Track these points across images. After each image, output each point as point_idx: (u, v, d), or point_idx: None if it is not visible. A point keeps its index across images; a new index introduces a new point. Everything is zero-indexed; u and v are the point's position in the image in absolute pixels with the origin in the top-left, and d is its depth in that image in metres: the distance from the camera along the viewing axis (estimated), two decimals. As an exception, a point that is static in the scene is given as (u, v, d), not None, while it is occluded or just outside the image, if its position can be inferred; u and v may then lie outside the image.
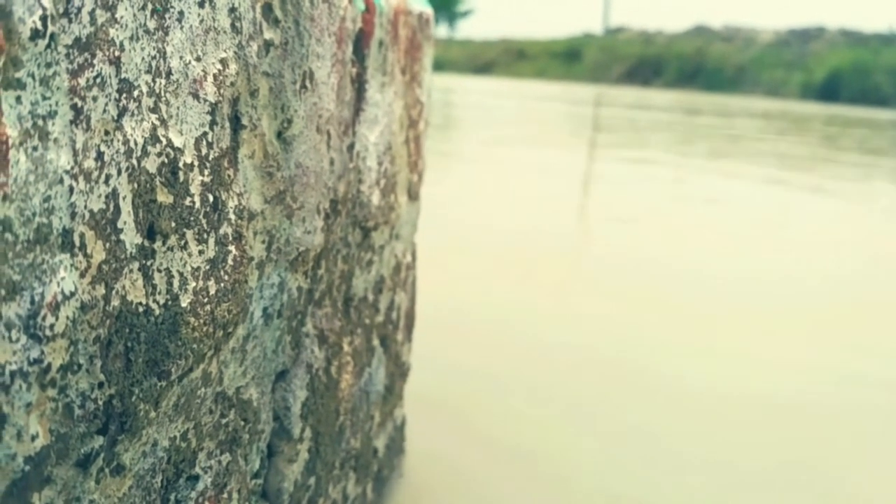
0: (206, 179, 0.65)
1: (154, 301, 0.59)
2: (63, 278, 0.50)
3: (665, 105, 15.15)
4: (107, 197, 0.53)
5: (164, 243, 0.60)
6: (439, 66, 24.66)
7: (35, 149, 0.47)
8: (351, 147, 1.04)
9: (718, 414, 1.85)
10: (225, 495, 0.79)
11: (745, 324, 2.54)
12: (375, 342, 1.26)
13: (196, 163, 0.63)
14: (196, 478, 0.74)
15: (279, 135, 0.82)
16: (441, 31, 38.85)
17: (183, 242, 0.62)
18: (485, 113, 11.27)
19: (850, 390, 2.03)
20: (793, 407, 1.90)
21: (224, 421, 0.78)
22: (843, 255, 3.72)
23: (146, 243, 0.58)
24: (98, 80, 0.52)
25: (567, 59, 26.41)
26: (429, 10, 1.36)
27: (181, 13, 0.61)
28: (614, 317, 2.50)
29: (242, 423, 0.82)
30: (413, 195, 1.39)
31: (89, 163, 0.51)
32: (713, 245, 3.76)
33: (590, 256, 3.52)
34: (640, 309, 2.60)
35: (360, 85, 1.06)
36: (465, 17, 42.02)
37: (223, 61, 0.66)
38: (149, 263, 0.58)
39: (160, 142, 0.58)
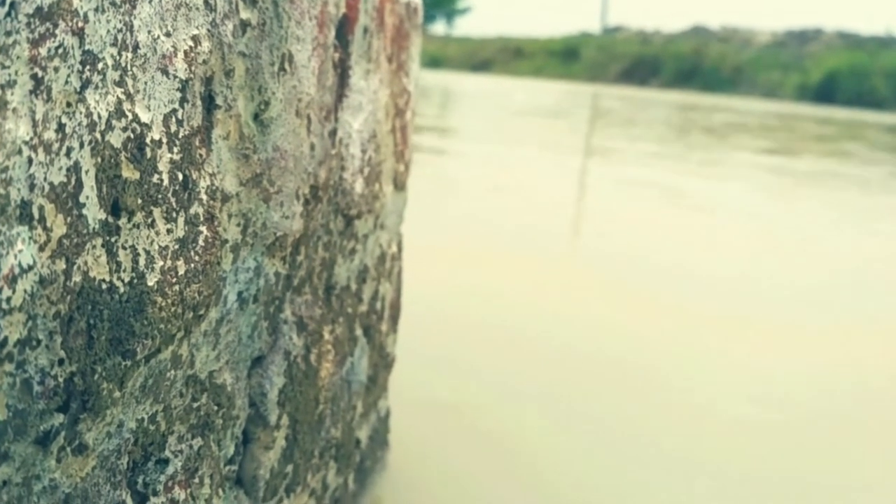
0: (176, 157, 0.64)
1: (118, 279, 0.58)
2: (21, 251, 0.49)
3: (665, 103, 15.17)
4: (68, 170, 0.52)
5: (129, 220, 0.59)
6: (436, 63, 24.62)
7: (-8, 118, 0.46)
8: (333, 133, 1.03)
9: (712, 414, 1.84)
10: (196, 480, 0.78)
11: (741, 324, 2.53)
12: (358, 332, 1.25)
13: (164, 140, 0.62)
14: (166, 461, 0.73)
15: (256, 117, 0.81)
16: (438, 28, 38.81)
17: (150, 220, 0.61)
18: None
19: (847, 396, 2.03)
20: (790, 412, 1.89)
21: (196, 405, 0.77)
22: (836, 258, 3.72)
23: (110, 219, 0.57)
24: (60, 50, 0.51)
25: (564, 58, 26.40)
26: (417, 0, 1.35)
27: (150, -13, 0.60)
28: (602, 312, 2.50)
29: (216, 407, 0.82)
30: (399, 185, 1.38)
31: (49, 134, 0.50)
32: (702, 239, 3.76)
33: (582, 245, 3.52)
34: (633, 304, 2.59)
35: (343, 71, 1.05)
36: (463, 14, 42.00)
37: (195, 38, 0.65)
38: (113, 240, 0.57)
39: (126, 116, 0.57)
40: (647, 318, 2.47)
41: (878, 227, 4.59)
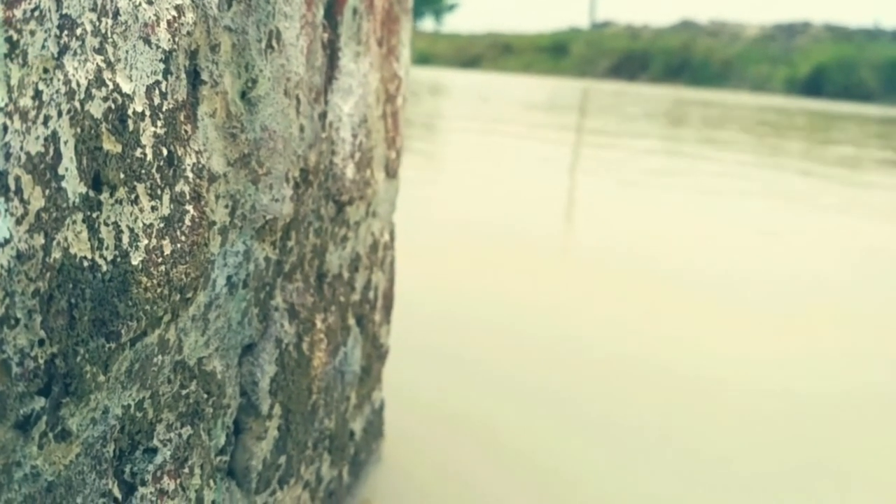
0: (160, 131, 0.61)
1: (101, 256, 0.55)
2: (-4, 224, 0.46)
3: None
4: (46, 139, 0.49)
5: (111, 195, 0.56)
6: (425, 59, 24.56)
7: (-37, 82, 0.44)
8: (323, 116, 1.01)
9: (703, 407, 1.82)
10: (186, 470, 0.76)
11: (739, 315, 2.52)
12: (351, 321, 1.22)
13: (147, 112, 0.59)
14: (154, 450, 0.70)
15: (243, 95, 0.78)
16: (427, 24, 38.71)
17: (133, 196, 0.58)
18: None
19: (845, 386, 2.01)
20: (793, 403, 1.87)
21: (184, 392, 0.75)
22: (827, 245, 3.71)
23: (91, 193, 0.54)
24: (36, 13, 0.48)
25: (554, 54, 26.38)
26: (406, -18, 1.32)
27: (131, -48, 0.57)
28: (595, 305, 2.48)
29: (205, 395, 0.79)
30: (391, 172, 1.35)
31: (26, 101, 0.48)
32: (692, 234, 3.75)
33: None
34: (628, 297, 2.58)
35: (332, 52, 1.03)
36: (452, 10, 41.86)
37: (178, 8, 0.63)
38: (94, 215, 0.55)
39: (106, 85, 0.54)
40: (654, 316, 2.46)
41: (863, 221, 4.59)
